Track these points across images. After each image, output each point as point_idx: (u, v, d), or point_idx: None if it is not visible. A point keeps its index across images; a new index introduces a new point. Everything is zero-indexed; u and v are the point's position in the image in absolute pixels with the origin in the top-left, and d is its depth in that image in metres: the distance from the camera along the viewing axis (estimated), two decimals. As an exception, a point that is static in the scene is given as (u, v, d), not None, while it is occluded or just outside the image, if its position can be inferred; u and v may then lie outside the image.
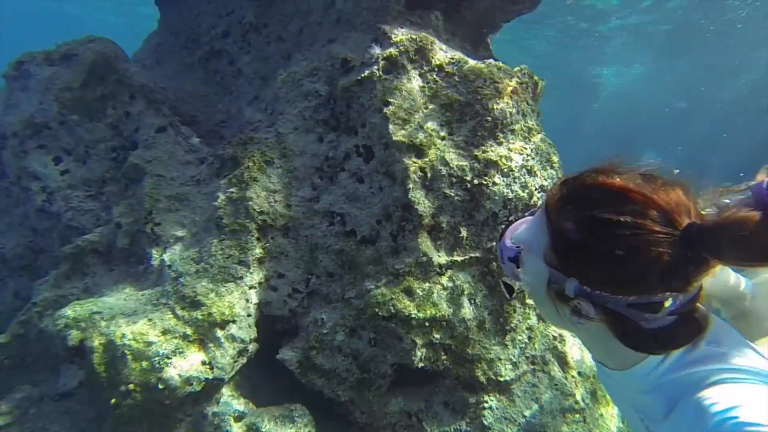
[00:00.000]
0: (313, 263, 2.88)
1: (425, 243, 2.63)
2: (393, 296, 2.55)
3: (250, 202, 2.85)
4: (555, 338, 2.86)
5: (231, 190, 2.93)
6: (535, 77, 3.13)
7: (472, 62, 2.91)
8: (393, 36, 2.88)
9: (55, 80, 3.49)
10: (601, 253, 0.83)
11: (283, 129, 3.06)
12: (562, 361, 2.83)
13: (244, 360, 2.78)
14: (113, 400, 2.50)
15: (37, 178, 3.47)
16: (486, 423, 2.54)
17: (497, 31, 3.76)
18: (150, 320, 2.65)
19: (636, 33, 14.03)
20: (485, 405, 2.58)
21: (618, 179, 0.85)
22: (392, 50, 2.82)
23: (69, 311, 2.75)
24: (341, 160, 2.91)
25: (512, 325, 2.69)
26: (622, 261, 0.81)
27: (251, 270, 2.83)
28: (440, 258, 2.65)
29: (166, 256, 2.97)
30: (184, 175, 3.25)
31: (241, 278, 2.80)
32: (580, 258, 0.86)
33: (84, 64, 3.48)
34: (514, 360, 2.63)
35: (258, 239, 2.88)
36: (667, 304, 0.82)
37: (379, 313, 2.54)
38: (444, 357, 2.59)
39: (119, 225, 3.14)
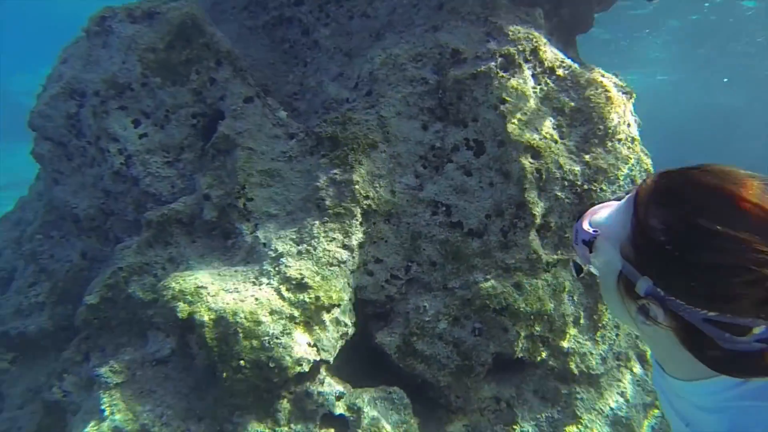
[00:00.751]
0: (415, 251, 2.93)
1: (535, 241, 2.72)
2: (504, 290, 2.65)
3: (356, 186, 2.86)
4: (637, 336, 3.04)
5: (334, 171, 2.93)
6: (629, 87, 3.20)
7: (578, 68, 2.94)
8: (509, 33, 2.87)
9: (138, 39, 3.34)
10: (689, 262, 0.76)
11: (386, 113, 3.05)
12: (643, 359, 3.01)
13: (343, 342, 2.85)
14: (224, 374, 2.55)
15: (116, 139, 3.37)
16: (578, 413, 2.71)
17: (586, 31, 3.77)
18: (257, 300, 2.67)
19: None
20: (577, 396, 2.74)
21: (732, 185, 0.77)
22: (510, 48, 2.82)
23: (173, 283, 2.74)
24: (449, 151, 2.93)
25: (603, 322, 2.85)
26: (714, 276, 0.74)
27: (353, 254, 2.87)
28: (546, 256, 2.74)
29: (260, 234, 2.97)
30: (273, 150, 3.21)
31: (344, 262, 2.83)
32: (661, 259, 0.79)
33: (170, 24, 3.34)
34: (603, 355, 2.79)
35: (360, 224, 2.91)
36: (757, 330, 0.73)
37: (490, 305, 2.64)
38: (541, 348, 2.72)
39: (208, 197, 3.10)
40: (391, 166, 2.98)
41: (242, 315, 2.59)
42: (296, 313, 2.68)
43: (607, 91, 2.85)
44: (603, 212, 0.98)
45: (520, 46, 2.83)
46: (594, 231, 0.94)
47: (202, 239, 3.21)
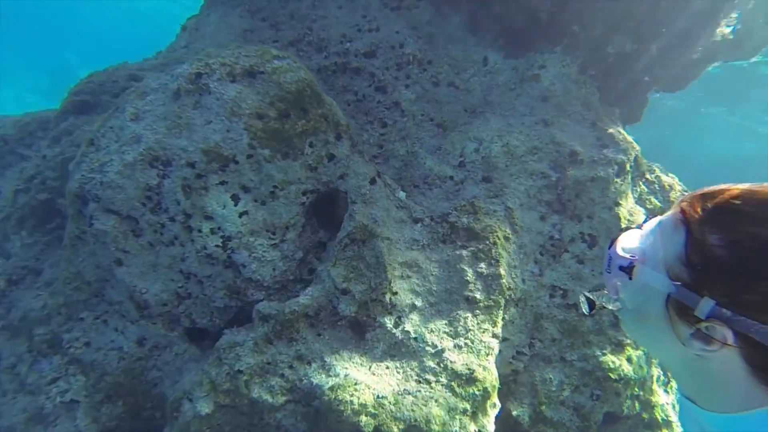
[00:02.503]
0: (537, 329, 3.33)
1: (637, 321, 3.39)
2: (620, 362, 3.26)
3: (503, 280, 3.10)
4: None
5: (481, 265, 3.10)
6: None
7: (660, 172, 3.63)
8: (619, 142, 3.38)
9: (242, 103, 2.90)
10: (759, 275, 0.75)
11: (511, 204, 3.30)
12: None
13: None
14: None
15: (210, 218, 2.91)
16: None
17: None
18: (436, 401, 2.77)
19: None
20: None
21: None
22: (623, 157, 3.33)
23: (347, 396, 2.62)
24: (567, 242, 3.36)
25: (669, 377, 3.69)
26: None
27: (500, 341, 3.13)
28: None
29: (408, 327, 2.99)
30: (404, 237, 3.20)
31: (494, 350, 3.08)
32: (726, 276, 0.78)
33: (284, 90, 2.97)
34: (672, 404, 3.65)
35: (503, 312, 3.17)
36: None
37: (611, 376, 3.23)
38: (636, 404, 3.44)
39: (346, 291, 2.95)
40: (521, 257, 3.28)
41: (434, 421, 2.68)
42: (468, 407, 2.87)
43: (684, 192, 3.58)
44: (632, 239, 0.96)
45: (628, 155, 3.36)
46: (632, 256, 0.91)
47: (328, 331, 3.06)
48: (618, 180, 3.33)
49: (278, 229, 3.08)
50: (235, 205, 2.97)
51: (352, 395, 2.67)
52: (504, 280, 3.11)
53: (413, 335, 2.99)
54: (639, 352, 3.35)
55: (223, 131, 2.88)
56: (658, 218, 0.95)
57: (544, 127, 3.48)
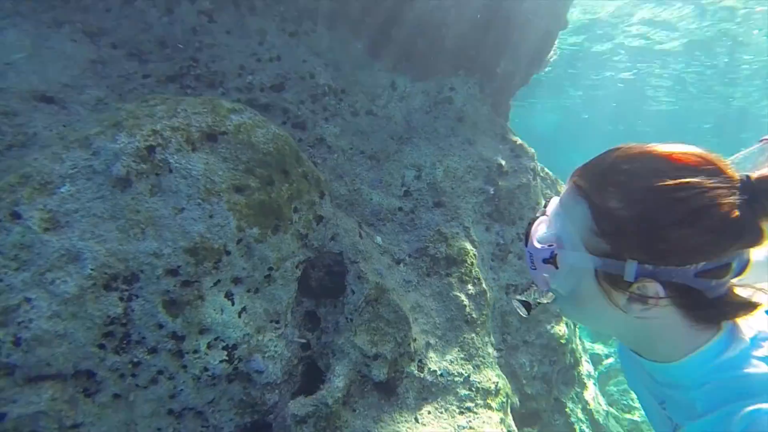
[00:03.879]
0: (505, 325, 3.77)
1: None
2: (562, 328, 4.01)
3: (487, 295, 3.37)
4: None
5: (468, 287, 3.28)
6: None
7: (549, 172, 4.48)
8: (525, 150, 4.04)
9: (214, 177, 2.26)
10: (664, 223, 0.77)
11: (467, 223, 3.58)
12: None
13: (499, 419, 3.42)
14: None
15: (206, 330, 2.24)
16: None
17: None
18: (487, 422, 2.88)
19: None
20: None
21: (656, 148, 0.83)
22: (533, 164, 4.00)
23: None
24: (509, 244, 3.86)
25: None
26: (690, 225, 0.76)
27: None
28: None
29: (432, 366, 2.96)
30: (398, 281, 3.09)
31: (496, 357, 3.36)
32: (637, 234, 0.79)
33: (260, 151, 2.44)
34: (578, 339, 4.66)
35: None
36: (734, 265, 0.79)
37: (561, 341, 3.96)
38: (568, 356, 4.31)
39: (378, 355, 2.71)
40: (485, 268, 3.62)
41: (497, 446, 2.82)
42: (503, 415, 3.09)
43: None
44: (540, 228, 0.96)
45: (534, 161, 4.02)
46: (549, 245, 0.91)
47: (359, 402, 2.77)
48: (533, 182, 3.97)
49: (281, 315, 2.59)
50: (233, 304, 2.34)
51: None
52: (489, 295, 3.40)
53: (439, 372, 3.01)
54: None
55: (205, 218, 2.20)
56: (557, 200, 0.98)
57: (470, 146, 3.82)
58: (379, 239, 3.19)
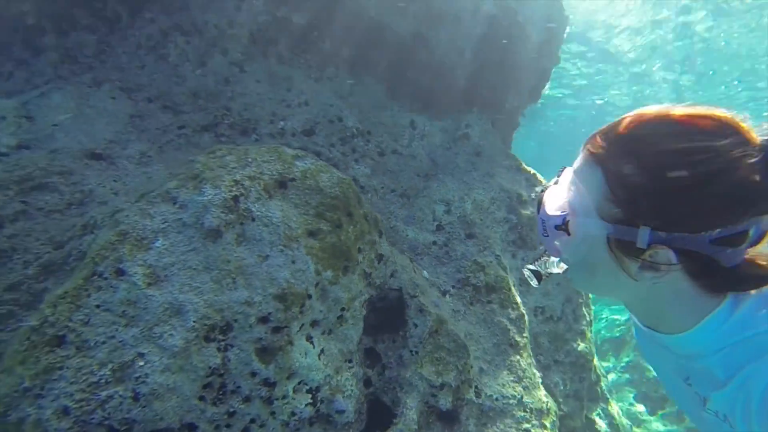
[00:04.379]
0: (537, 345, 3.92)
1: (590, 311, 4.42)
2: (586, 344, 4.21)
3: (526, 318, 3.53)
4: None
5: (509, 311, 3.43)
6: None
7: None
8: (538, 178, 4.32)
9: (291, 223, 2.34)
10: (679, 188, 0.75)
11: (498, 251, 3.76)
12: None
13: None
14: None
15: (293, 375, 2.26)
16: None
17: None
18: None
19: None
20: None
21: (672, 109, 0.81)
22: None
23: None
24: (534, 268, 4.06)
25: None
26: (706, 190, 0.74)
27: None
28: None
29: (488, 391, 3.04)
30: (447, 311, 3.20)
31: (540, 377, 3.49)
32: (652, 200, 0.78)
33: (329, 195, 2.53)
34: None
35: (527, 344, 3.59)
36: (751, 233, 0.75)
37: (587, 358, 4.15)
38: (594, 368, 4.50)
39: (443, 385, 2.77)
40: (516, 292, 3.80)
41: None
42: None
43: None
44: (556, 196, 0.94)
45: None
46: (562, 212, 0.89)
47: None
48: (547, 209, 4.23)
49: (353, 354, 2.63)
50: (313, 347, 2.38)
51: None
52: (526, 318, 3.56)
53: (495, 397, 3.10)
54: (590, 327, 4.38)
55: (288, 264, 2.26)
56: (570, 169, 0.96)
57: (490, 179, 4.05)
58: (425, 273, 3.31)
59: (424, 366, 2.81)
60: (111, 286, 1.90)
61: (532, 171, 4.35)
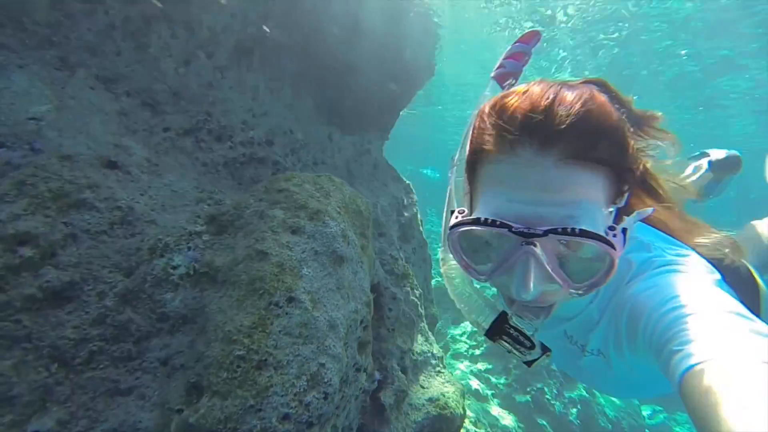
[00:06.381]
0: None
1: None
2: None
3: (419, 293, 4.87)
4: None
5: (415, 292, 4.70)
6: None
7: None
8: (411, 187, 5.74)
9: (357, 242, 2.99)
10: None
11: (397, 246, 4.97)
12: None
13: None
14: None
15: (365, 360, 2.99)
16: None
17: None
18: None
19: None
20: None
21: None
22: (414, 197, 5.74)
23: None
24: (411, 257, 5.47)
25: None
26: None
27: (422, 330, 4.97)
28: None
29: (418, 351, 4.23)
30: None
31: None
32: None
33: (364, 217, 3.20)
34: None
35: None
36: None
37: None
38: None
39: (408, 350, 3.81)
40: (409, 275, 5.14)
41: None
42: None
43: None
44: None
45: (415, 195, 5.69)
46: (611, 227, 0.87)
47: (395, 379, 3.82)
48: (416, 210, 5.65)
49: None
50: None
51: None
52: (418, 293, 4.92)
53: (419, 352, 4.36)
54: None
55: (365, 276, 2.91)
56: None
57: (386, 188, 5.14)
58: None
59: (397, 338, 3.83)
60: (287, 313, 2.20)
61: (407, 182, 5.69)
